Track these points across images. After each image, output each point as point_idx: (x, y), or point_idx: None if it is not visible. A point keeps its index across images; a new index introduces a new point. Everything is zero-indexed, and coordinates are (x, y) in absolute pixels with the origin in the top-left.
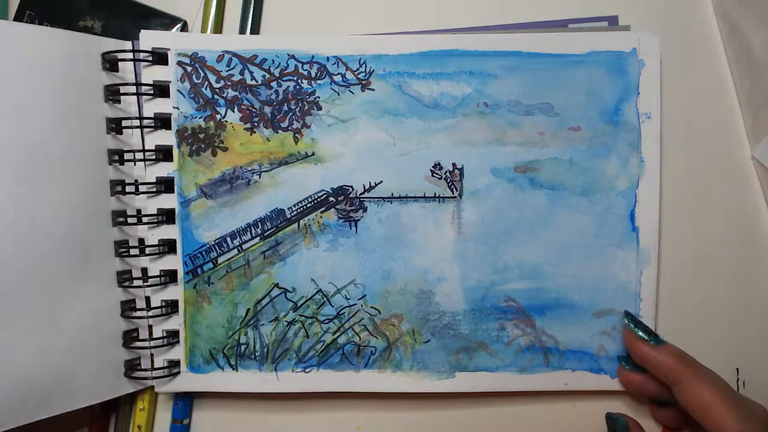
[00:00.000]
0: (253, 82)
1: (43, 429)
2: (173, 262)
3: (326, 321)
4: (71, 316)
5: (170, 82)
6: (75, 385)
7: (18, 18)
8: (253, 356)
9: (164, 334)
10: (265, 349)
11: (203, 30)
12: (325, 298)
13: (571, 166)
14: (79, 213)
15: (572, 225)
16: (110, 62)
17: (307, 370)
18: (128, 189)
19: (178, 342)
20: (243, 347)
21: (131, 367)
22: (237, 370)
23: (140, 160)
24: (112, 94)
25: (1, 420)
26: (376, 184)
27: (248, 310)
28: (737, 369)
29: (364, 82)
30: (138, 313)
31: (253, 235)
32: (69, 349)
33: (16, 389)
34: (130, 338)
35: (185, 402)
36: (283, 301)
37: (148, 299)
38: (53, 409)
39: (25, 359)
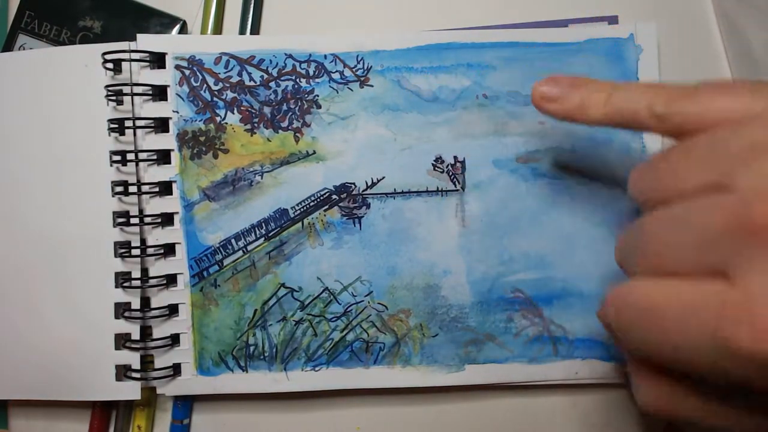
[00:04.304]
0: (252, 83)
1: (41, 428)
2: (174, 263)
3: (334, 319)
4: (69, 316)
5: (168, 86)
6: (70, 384)
7: (18, 18)
8: (262, 357)
9: (164, 336)
10: (274, 350)
11: (203, 30)
12: (331, 296)
13: (572, 155)
14: (80, 213)
15: (576, 214)
16: (113, 62)
17: (317, 368)
18: (131, 189)
19: (178, 343)
20: (252, 348)
21: (130, 369)
22: (247, 371)
23: (142, 161)
24: (114, 94)
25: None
26: (378, 180)
27: (256, 311)
28: None
29: (362, 78)
30: (137, 314)
31: (258, 236)
32: (64, 349)
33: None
34: (129, 340)
35: (185, 402)
36: (290, 301)
37: (148, 300)
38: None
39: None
